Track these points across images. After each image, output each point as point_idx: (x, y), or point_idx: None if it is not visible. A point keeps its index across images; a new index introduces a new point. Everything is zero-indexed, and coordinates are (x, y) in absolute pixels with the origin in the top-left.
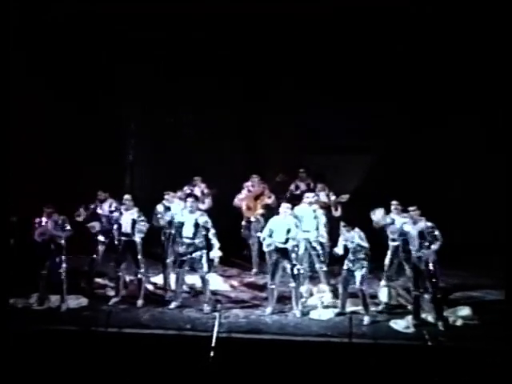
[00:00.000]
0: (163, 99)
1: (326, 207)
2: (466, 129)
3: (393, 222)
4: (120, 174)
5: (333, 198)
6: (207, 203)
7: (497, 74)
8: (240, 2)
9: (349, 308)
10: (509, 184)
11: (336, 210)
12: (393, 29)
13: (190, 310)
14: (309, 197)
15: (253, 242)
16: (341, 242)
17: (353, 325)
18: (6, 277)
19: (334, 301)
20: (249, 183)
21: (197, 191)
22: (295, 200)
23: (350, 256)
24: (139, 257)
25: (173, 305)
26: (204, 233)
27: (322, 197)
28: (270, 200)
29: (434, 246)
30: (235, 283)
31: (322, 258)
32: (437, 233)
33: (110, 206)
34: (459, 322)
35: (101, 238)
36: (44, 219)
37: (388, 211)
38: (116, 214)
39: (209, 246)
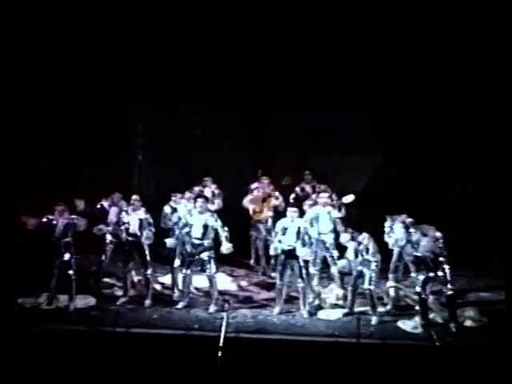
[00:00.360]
0: (165, 99)
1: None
2: (465, 129)
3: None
4: (126, 174)
5: (335, 199)
6: (217, 204)
7: (497, 74)
8: (240, 2)
9: (357, 308)
10: (509, 184)
11: (340, 211)
12: (393, 29)
13: (197, 309)
14: (323, 197)
15: (260, 243)
16: (351, 246)
17: (361, 325)
18: (15, 277)
19: (339, 301)
20: (257, 184)
21: (207, 192)
22: (301, 202)
23: (360, 258)
24: (146, 257)
25: (180, 305)
26: (212, 234)
27: (325, 198)
28: (277, 201)
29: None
30: (243, 283)
31: (336, 260)
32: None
33: (122, 208)
34: (468, 323)
35: (109, 237)
36: (55, 217)
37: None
38: (124, 215)
39: (217, 246)
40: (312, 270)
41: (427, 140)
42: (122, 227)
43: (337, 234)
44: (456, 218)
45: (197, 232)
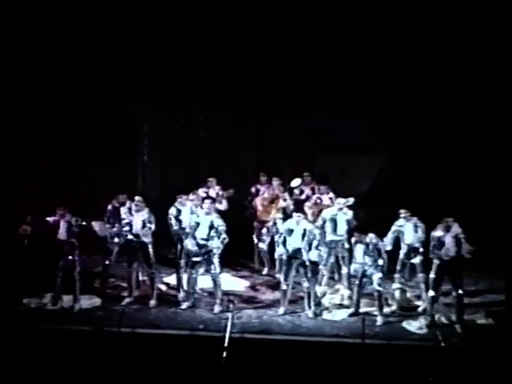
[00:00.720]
0: (165, 99)
1: None
2: (465, 129)
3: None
4: (126, 174)
5: (336, 200)
6: (224, 204)
7: (497, 74)
8: (240, 2)
9: (362, 309)
10: (509, 184)
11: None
12: (393, 29)
13: (202, 310)
14: (340, 203)
15: (265, 244)
16: (359, 248)
17: (366, 325)
18: (20, 277)
19: (345, 301)
20: (259, 186)
21: (211, 193)
22: (300, 205)
23: (367, 258)
24: (151, 258)
25: (185, 305)
26: (217, 235)
27: (325, 200)
28: (285, 203)
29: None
30: (248, 283)
31: (347, 262)
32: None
33: (127, 209)
34: (474, 324)
35: (115, 239)
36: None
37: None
38: (128, 215)
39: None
40: (322, 270)
41: (427, 140)
42: (126, 228)
43: (350, 235)
44: (456, 218)
45: (202, 232)
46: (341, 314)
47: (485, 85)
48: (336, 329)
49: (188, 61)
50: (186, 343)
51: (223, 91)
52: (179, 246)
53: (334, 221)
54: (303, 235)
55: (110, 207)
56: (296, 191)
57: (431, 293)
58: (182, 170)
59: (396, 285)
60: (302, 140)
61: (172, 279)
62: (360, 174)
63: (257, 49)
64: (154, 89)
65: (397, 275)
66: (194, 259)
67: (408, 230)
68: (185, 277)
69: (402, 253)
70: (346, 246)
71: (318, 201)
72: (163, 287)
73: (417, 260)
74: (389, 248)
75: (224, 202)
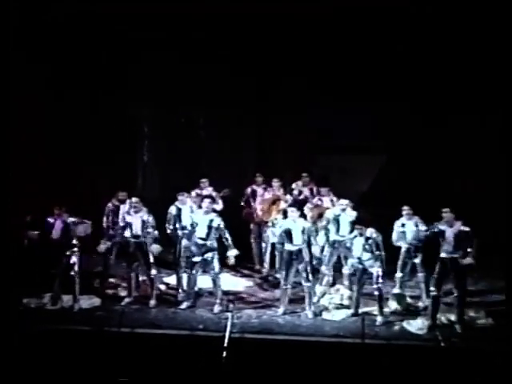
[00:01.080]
0: (165, 99)
1: None
2: (465, 129)
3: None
4: (126, 174)
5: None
6: (221, 204)
7: (497, 74)
8: (240, 2)
9: (362, 309)
10: (509, 184)
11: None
12: (393, 29)
13: (202, 310)
14: (343, 204)
15: (265, 244)
16: (358, 243)
17: (365, 325)
18: (20, 277)
19: (344, 301)
20: (261, 187)
21: (204, 194)
22: (298, 205)
23: (365, 255)
24: (150, 258)
25: (184, 305)
26: (216, 235)
27: (326, 202)
28: (286, 204)
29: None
30: (248, 283)
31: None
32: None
33: (128, 207)
34: (474, 324)
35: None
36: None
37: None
38: (126, 216)
39: (221, 247)
40: (324, 269)
41: (427, 140)
42: (127, 230)
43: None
44: (455, 218)
45: (201, 232)
46: (341, 314)
47: (485, 85)
48: (336, 329)
49: (188, 61)
50: (186, 343)
51: (223, 91)
52: (178, 246)
53: (337, 221)
54: (302, 232)
55: (110, 205)
56: (295, 192)
57: (433, 292)
58: (182, 170)
59: (396, 290)
60: (301, 140)
61: (172, 279)
62: (360, 174)
63: (257, 49)
64: (154, 89)
65: (397, 275)
66: (194, 259)
67: (409, 228)
68: (184, 277)
69: (402, 252)
70: (349, 246)
71: (319, 202)
72: (163, 287)
73: (417, 259)
74: (399, 244)
75: (220, 201)
